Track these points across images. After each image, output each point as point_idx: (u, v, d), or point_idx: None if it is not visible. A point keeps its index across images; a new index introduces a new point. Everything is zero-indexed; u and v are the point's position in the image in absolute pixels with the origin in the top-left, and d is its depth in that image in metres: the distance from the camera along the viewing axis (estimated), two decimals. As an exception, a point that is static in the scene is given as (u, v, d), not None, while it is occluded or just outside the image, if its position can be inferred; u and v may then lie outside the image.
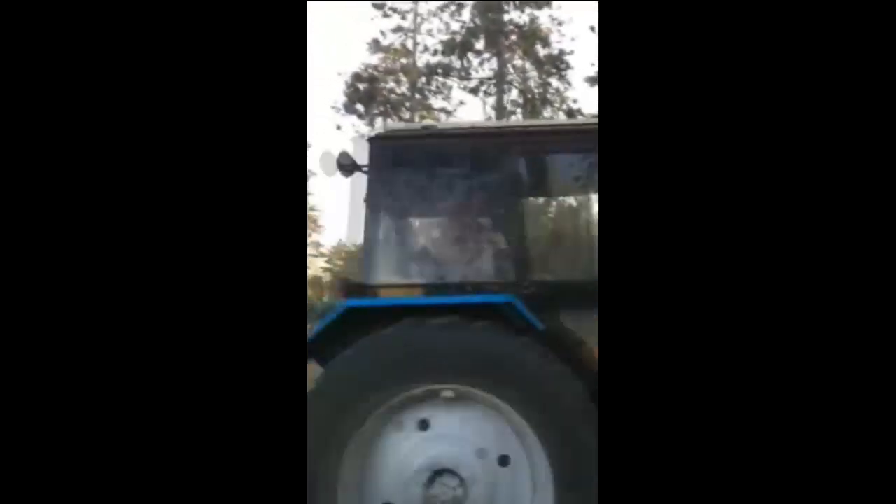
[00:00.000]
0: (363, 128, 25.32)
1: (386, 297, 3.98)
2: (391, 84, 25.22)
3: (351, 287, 4.02)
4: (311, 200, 35.99)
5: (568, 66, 23.18)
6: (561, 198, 5.41)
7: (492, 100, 23.68)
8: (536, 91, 23.51)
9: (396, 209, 4.29)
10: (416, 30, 24.98)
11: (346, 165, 4.23)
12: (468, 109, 25.11)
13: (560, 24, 23.04)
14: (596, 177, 3.89)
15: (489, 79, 23.71)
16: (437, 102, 24.97)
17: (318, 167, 4.14)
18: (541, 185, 4.67)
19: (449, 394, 3.61)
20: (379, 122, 25.69)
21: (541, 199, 5.26)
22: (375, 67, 24.96)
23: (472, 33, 23.53)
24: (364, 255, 4.09)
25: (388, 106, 25.08)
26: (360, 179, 4.32)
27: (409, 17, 24.92)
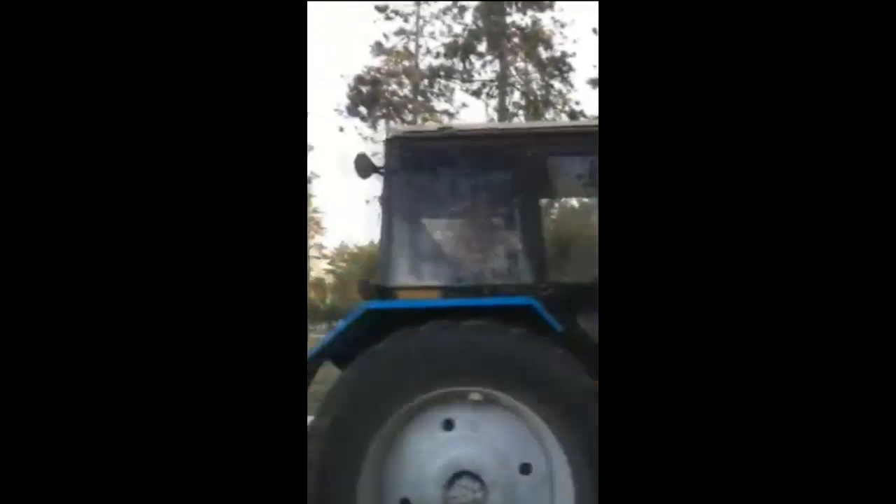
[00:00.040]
0: (366, 130, 25.45)
1: (404, 300, 3.98)
2: (394, 86, 25.30)
3: (371, 289, 4.03)
4: (314, 203, 36.06)
5: (570, 69, 23.25)
6: (578, 199, 5.43)
7: (494, 102, 23.74)
8: (539, 93, 23.57)
9: (414, 210, 4.28)
10: (418, 32, 25.04)
11: (364, 167, 4.25)
12: (470, 112, 25.12)
13: (562, 26, 23.11)
14: None
15: (491, 81, 23.78)
16: (439, 105, 25.06)
17: (352, 169, 4.16)
18: (558, 186, 4.67)
19: (476, 396, 3.61)
20: (381, 124, 25.81)
21: (558, 201, 5.26)
22: (378, 70, 25.02)
23: (474, 36, 23.58)
24: (381, 256, 4.10)
25: (391, 108, 25.15)
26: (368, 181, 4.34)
27: (412, 19, 25.01)
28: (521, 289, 3.86)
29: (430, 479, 3.65)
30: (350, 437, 3.51)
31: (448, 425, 3.72)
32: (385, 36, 25.03)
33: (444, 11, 24.23)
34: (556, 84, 23.44)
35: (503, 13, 23.05)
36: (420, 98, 25.01)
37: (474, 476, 3.62)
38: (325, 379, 4.12)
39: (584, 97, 23.26)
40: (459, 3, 23.88)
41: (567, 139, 4.16)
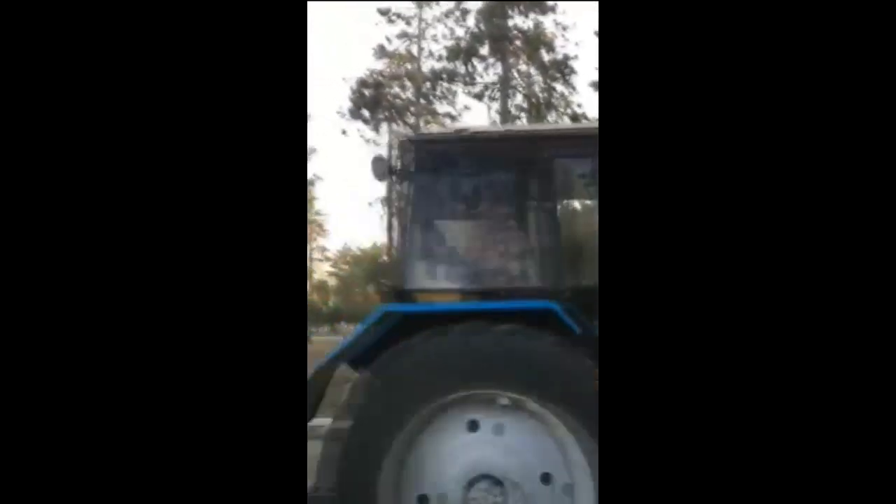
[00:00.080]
0: (368, 133, 25.51)
1: (423, 303, 4.00)
2: (396, 89, 25.35)
3: (393, 292, 4.06)
4: (316, 205, 36.11)
5: (572, 71, 23.27)
6: (594, 201, 5.41)
7: (496, 105, 23.77)
8: (541, 96, 23.60)
9: (433, 212, 4.29)
10: (421, 35, 25.09)
11: (382, 169, 4.27)
12: (473, 114, 25.15)
13: (564, 28, 23.14)
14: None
15: (494, 84, 23.80)
16: (441, 108, 25.10)
17: (370, 171, 4.19)
18: (578, 188, 4.66)
19: (504, 401, 3.62)
20: (384, 127, 25.88)
21: (572, 202, 5.24)
22: (381, 73, 25.07)
23: (476, 39, 23.61)
24: (401, 259, 4.13)
25: (393, 111, 25.20)
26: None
27: (414, 22, 25.06)
28: (540, 292, 3.85)
29: (450, 479, 3.68)
30: (375, 432, 3.54)
31: (473, 426, 3.73)
32: (388, 39, 25.11)
33: (447, 14, 24.26)
34: (559, 87, 23.47)
35: (505, 16, 23.07)
36: (422, 101, 25.06)
37: (495, 480, 3.63)
38: (337, 381, 4.17)
39: (586, 100, 23.26)
40: (462, 3, 23.93)
41: (585, 141, 4.14)
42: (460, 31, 23.95)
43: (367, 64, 29.00)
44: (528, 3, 22.86)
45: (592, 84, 22.53)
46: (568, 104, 23.34)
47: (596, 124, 3.74)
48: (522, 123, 22.02)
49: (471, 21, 23.82)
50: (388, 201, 28.13)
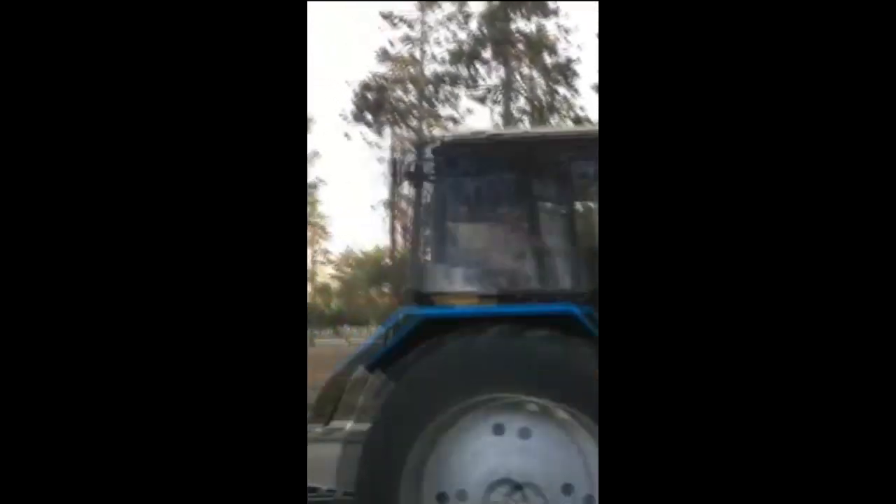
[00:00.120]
0: (371, 136, 25.59)
1: (442, 307, 4.00)
2: (399, 93, 25.43)
3: (414, 296, 4.07)
4: (319, 208, 36.19)
5: (575, 74, 23.35)
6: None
7: (499, 108, 23.86)
8: (543, 99, 23.67)
9: (457, 216, 4.28)
10: (423, 39, 25.17)
11: (405, 173, 4.29)
12: (476, 118, 25.20)
13: (567, 31, 23.20)
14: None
15: (496, 87, 23.88)
16: (444, 111, 25.18)
17: (390, 174, 4.21)
18: (594, 189, 4.62)
19: (533, 407, 3.63)
20: (387, 130, 25.95)
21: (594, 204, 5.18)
22: (384, 77, 25.15)
23: (479, 42, 23.69)
24: (426, 262, 4.14)
25: (396, 115, 25.28)
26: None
27: (417, 26, 25.13)
28: (560, 295, 3.85)
29: (471, 481, 3.70)
30: (398, 433, 3.56)
31: (498, 430, 3.72)
32: (390, 43, 25.19)
33: (450, 18, 24.35)
34: (561, 90, 23.55)
35: (508, 19, 23.15)
36: (425, 104, 25.13)
37: (515, 485, 3.64)
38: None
39: (588, 103, 23.31)
40: (465, 3, 23.99)
41: None
42: (463, 35, 24.07)
43: (370, 67, 29.02)
44: (531, 3, 22.91)
45: (595, 87, 22.58)
46: (570, 107, 23.43)
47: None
48: (525, 126, 22.07)
49: (473, 24, 23.94)
50: (391, 204, 28.22)
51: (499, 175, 4.21)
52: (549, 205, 4.26)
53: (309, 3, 2.37)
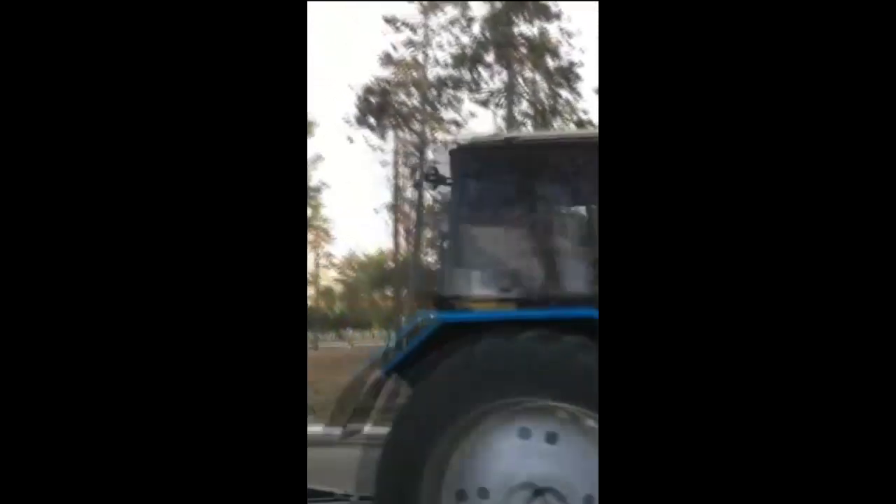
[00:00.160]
0: (374, 140, 25.72)
1: (461, 311, 4.00)
2: (402, 97, 25.54)
3: (436, 300, 4.05)
4: (322, 212, 36.23)
5: (577, 78, 23.42)
6: None
7: (502, 111, 23.95)
8: (546, 102, 23.76)
9: (478, 220, 4.25)
10: (426, 44, 25.28)
11: (431, 177, 4.29)
12: (478, 121, 25.28)
13: (569, 35, 23.28)
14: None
15: (499, 91, 23.97)
16: (447, 114, 25.29)
17: (412, 178, 4.23)
18: None
19: (563, 415, 3.60)
20: (390, 134, 26.07)
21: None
22: (387, 81, 25.26)
23: (482, 46, 23.79)
24: (446, 266, 4.13)
25: (399, 118, 25.39)
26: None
27: (420, 31, 25.25)
28: (579, 299, 3.80)
29: (493, 482, 3.70)
30: (427, 426, 3.57)
31: (524, 434, 3.71)
32: (394, 47, 25.31)
33: (452, 22, 24.45)
34: (564, 93, 23.63)
35: (510, 23, 23.24)
36: (428, 108, 25.23)
37: (537, 490, 3.63)
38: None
39: (591, 106, 23.37)
40: (468, 7, 24.08)
41: None
42: (466, 39, 24.17)
43: (373, 71, 29.13)
44: (534, 2, 22.98)
45: (597, 90, 22.64)
46: (573, 110, 23.52)
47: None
48: (528, 129, 22.13)
49: (476, 29, 24.04)
50: (393, 208, 28.34)
51: (517, 178, 4.19)
52: (567, 208, 4.26)
53: (310, 3, 2.37)
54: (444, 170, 4.28)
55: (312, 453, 4.64)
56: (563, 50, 23.29)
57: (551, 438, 3.69)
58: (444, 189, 4.34)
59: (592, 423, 3.51)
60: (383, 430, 3.86)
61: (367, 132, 25.42)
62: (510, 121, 23.22)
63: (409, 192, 26.78)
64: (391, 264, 32.03)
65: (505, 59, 23.41)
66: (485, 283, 4.18)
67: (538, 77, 23.90)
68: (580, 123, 22.75)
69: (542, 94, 23.86)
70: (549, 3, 23.15)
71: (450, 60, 24.31)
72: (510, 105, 23.60)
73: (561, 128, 22.59)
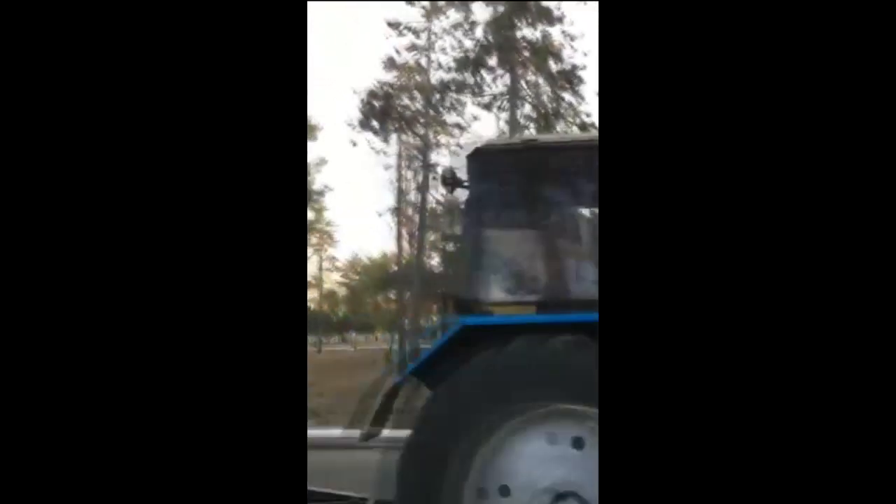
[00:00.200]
0: (378, 143, 25.78)
1: (482, 315, 3.99)
2: (406, 101, 25.59)
3: (457, 303, 4.08)
4: (326, 215, 36.33)
5: (581, 81, 23.42)
6: None
7: (505, 115, 23.97)
8: (549, 106, 23.77)
9: (495, 223, 4.25)
10: (429, 48, 25.34)
11: (451, 181, 4.30)
12: (482, 125, 25.34)
13: (572, 38, 23.29)
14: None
15: (502, 94, 24.00)
16: (450, 118, 25.33)
17: (438, 182, 4.27)
18: None
19: (591, 423, 3.55)
20: (394, 137, 26.14)
21: None
22: (390, 85, 25.32)
23: (485, 50, 23.82)
24: (466, 270, 4.15)
25: (403, 122, 25.44)
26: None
27: (423, 35, 25.32)
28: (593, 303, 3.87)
29: (515, 483, 3.70)
30: (454, 424, 3.58)
31: (552, 438, 3.71)
32: (397, 51, 25.36)
33: (455, 27, 24.50)
34: (567, 96, 23.63)
35: (513, 27, 23.28)
36: (431, 112, 25.28)
37: (559, 494, 3.63)
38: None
39: (594, 109, 23.39)
40: (471, 11, 24.12)
41: None
42: (469, 43, 24.19)
43: (376, 76, 29.24)
44: (535, 6, 23.02)
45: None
46: (577, 114, 23.51)
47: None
48: (531, 133, 22.17)
49: (479, 33, 24.07)
50: (397, 211, 28.40)
51: (534, 181, 4.19)
52: (586, 210, 4.26)
53: (310, 3, 2.37)
54: (461, 173, 4.30)
55: (328, 456, 4.66)
56: (566, 53, 23.31)
57: (577, 444, 3.69)
58: (444, 190, 4.39)
59: None
60: (402, 434, 3.89)
61: (370, 136, 25.50)
62: (513, 124, 23.25)
63: (413, 196, 26.97)
64: (394, 267, 32.07)
65: (508, 63, 23.43)
66: (504, 286, 4.18)
67: (541, 80, 23.92)
68: (583, 126, 22.76)
69: (545, 98, 23.87)
70: (552, 6, 23.19)
71: (453, 64, 24.37)
72: (513, 108, 23.61)
73: (565, 131, 22.61)
